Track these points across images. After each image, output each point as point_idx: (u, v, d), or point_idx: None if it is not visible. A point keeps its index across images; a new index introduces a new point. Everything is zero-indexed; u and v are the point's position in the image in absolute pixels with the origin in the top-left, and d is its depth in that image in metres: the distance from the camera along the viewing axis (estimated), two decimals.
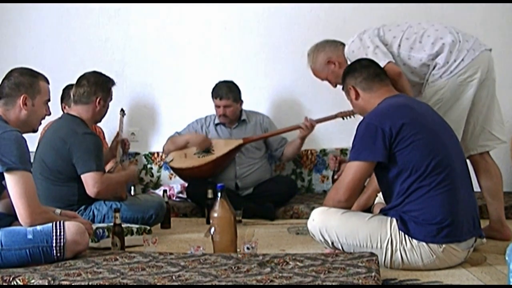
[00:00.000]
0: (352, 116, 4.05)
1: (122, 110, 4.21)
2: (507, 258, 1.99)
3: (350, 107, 4.02)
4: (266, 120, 4.33)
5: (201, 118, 4.33)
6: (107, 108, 3.41)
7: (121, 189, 3.38)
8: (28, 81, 2.55)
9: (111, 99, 3.41)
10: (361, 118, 2.63)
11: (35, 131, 2.67)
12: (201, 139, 4.10)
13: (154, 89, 4.72)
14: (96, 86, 3.31)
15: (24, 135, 2.49)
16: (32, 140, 3.69)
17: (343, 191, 2.50)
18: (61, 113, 4.14)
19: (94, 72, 3.40)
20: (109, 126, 4.30)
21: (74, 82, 4.11)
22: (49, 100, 2.64)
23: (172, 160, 4.13)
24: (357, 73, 2.68)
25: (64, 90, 4.12)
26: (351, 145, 2.57)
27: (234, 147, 4.07)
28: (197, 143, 4.08)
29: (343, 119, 4.07)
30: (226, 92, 4.13)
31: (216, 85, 4.19)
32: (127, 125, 4.72)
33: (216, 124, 4.27)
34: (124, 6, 4.68)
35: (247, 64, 4.61)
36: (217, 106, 4.18)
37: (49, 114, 2.67)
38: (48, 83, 2.64)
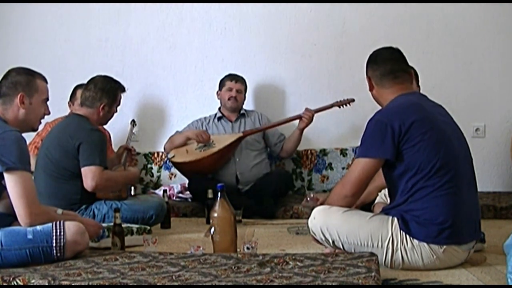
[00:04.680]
0: (348, 105, 4.16)
1: (133, 121, 4.22)
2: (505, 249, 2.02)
3: (346, 97, 4.13)
4: (264, 117, 4.41)
5: (201, 117, 4.39)
6: (113, 113, 3.44)
7: (121, 188, 3.40)
8: (25, 80, 2.54)
9: (118, 105, 3.44)
10: (361, 116, 2.61)
11: (34, 130, 2.67)
12: (197, 131, 4.16)
13: (153, 89, 4.72)
14: (102, 92, 3.33)
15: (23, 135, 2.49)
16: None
17: (349, 186, 2.49)
18: (65, 111, 4.17)
19: (104, 77, 3.42)
20: (117, 133, 4.33)
21: (74, 82, 4.17)
22: (47, 99, 2.63)
23: (174, 156, 4.14)
24: (376, 66, 2.63)
25: (73, 89, 4.13)
26: (359, 142, 2.55)
27: (234, 140, 4.12)
28: (195, 135, 4.13)
29: (339, 107, 4.21)
30: (241, 78, 4.33)
31: (229, 73, 4.34)
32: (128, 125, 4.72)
33: (218, 119, 4.33)
34: (124, 6, 4.68)
35: (247, 64, 4.62)
36: (229, 89, 4.28)
37: (49, 113, 2.66)
38: (46, 82, 2.63)
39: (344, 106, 4.20)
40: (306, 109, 4.18)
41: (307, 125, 4.18)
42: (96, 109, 3.33)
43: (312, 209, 2.64)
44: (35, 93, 2.56)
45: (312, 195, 3.25)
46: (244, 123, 4.32)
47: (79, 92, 4.02)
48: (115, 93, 3.39)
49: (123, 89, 3.44)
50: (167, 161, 4.52)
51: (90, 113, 3.33)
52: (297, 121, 4.23)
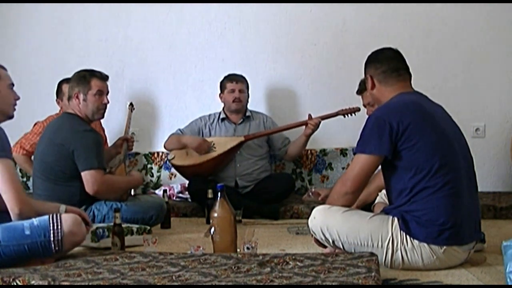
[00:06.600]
0: (353, 114, 4.07)
1: (131, 104, 4.17)
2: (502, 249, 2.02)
3: (351, 105, 4.09)
4: (269, 120, 4.35)
5: (204, 115, 4.34)
6: (96, 102, 3.29)
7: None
8: None
9: (102, 93, 3.31)
10: (361, 116, 2.61)
11: (11, 117, 2.65)
12: (197, 143, 4.08)
13: (153, 89, 4.72)
14: (73, 81, 3.33)
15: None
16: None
17: (350, 183, 2.49)
18: (58, 108, 4.16)
19: (84, 70, 3.39)
20: (114, 120, 4.30)
21: None
22: (12, 84, 2.64)
23: (173, 158, 4.13)
24: (379, 64, 2.63)
25: (58, 85, 4.12)
26: (358, 138, 2.54)
27: (235, 144, 4.08)
28: (194, 147, 4.08)
29: (344, 116, 4.11)
30: (241, 77, 4.25)
31: (228, 74, 4.27)
32: None
33: (222, 120, 4.27)
34: (124, 6, 4.67)
35: (247, 64, 4.61)
36: (231, 91, 4.21)
37: (18, 98, 2.66)
38: (5, 69, 2.64)
39: (349, 115, 4.09)
40: (310, 116, 4.08)
41: (313, 131, 4.09)
42: (74, 99, 3.30)
43: (313, 208, 2.64)
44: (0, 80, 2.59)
45: (313, 190, 3.28)
46: (249, 127, 4.25)
47: (64, 87, 4.02)
48: (86, 79, 3.29)
49: (98, 76, 3.33)
50: (167, 161, 4.52)
51: (74, 106, 3.31)
52: (302, 126, 4.15)
